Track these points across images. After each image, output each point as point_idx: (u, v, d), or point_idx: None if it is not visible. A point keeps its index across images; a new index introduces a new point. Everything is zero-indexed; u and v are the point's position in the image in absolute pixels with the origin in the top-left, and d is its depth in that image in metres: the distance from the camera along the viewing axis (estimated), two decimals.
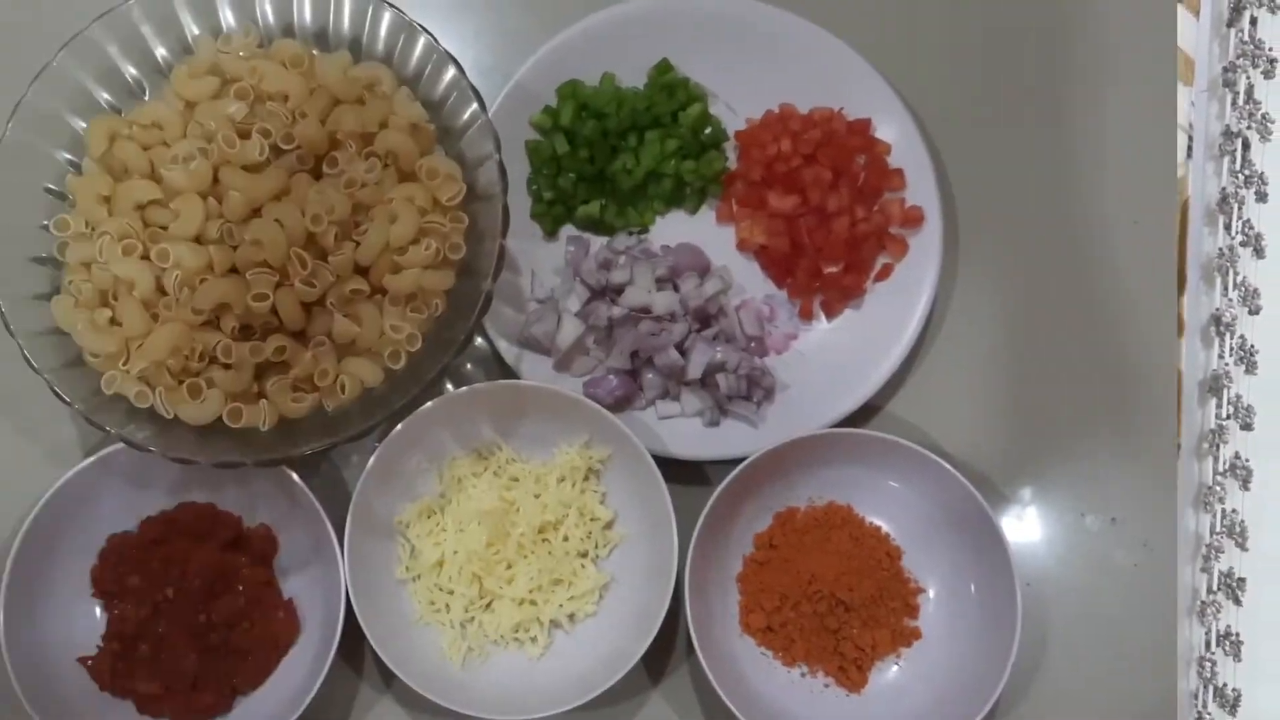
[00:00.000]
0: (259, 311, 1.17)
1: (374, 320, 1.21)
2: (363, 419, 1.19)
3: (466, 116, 1.22)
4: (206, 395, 1.18)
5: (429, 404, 1.22)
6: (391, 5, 1.22)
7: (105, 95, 1.24)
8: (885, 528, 1.30)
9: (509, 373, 1.30)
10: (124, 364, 1.18)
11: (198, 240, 1.19)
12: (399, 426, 1.22)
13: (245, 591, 1.24)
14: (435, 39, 1.22)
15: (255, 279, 1.17)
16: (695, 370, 1.27)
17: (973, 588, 1.26)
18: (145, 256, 1.18)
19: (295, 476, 1.22)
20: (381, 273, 1.20)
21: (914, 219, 1.32)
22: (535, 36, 1.34)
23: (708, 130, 1.35)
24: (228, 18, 1.26)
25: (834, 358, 1.32)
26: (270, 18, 1.26)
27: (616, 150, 1.34)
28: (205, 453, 1.17)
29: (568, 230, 1.35)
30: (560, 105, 1.33)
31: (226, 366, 1.19)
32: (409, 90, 1.25)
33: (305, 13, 1.26)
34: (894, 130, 1.34)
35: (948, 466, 1.23)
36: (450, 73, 1.22)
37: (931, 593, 1.28)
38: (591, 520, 1.27)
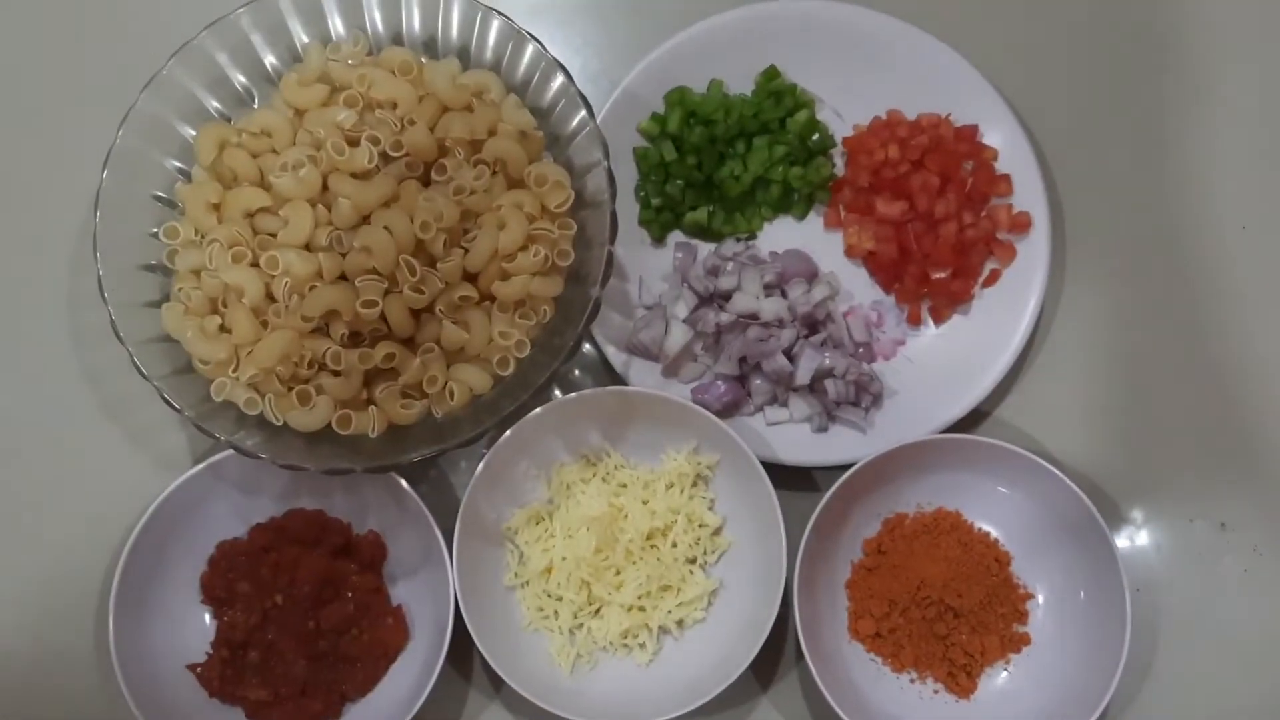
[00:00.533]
0: (368, 318, 1.05)
1: (483, 327, 1.08)
2: (471, 425, 1.06)
3: (575, 124, 1.09)
4: (316, 402, 1.06)
5: (537, 410, 1.09)
6: (500, 14, 1.09)
7: (214, 103, 1.13)
8: (994, 533, 1.16)
9: (617, 379, 1.16)
10: (233, 371, 1.06)
11: (307, 247, 1.07)
12: (507, 433, 1.09)
13: (354, 598, 1.12)
14: (544, 46, 1.09)
15: (364, 286, 1.05)
16: (803, 376, 1.13)
17: (1082, 593, 1.12)
18: (255, 264, 1.07)
19: (404, 483, 1.09)
20: (490, 279, 1.07)
21: (1022, 224, 1.18)
22: (643, 43, 1.21)
23: (815, 136, 1.21)
24: (337, 26, 1.13)
25: (942, 363, 1.18)
26: (379, 26, 1.14)
27: (724, 157, 1.20)
28: (314, 459, 1.04)
29: (676, 237, 1.22)
30: (668, 112, 1.20)
31: (335, 373, 1.07)
32: (517, 97, 1.12)
33: (414, 21, 1.13)
34: (1001, 136, 1.20)
35: (1056, 472, 1.10)
36: (559, 80, 1.08)
37: (1041, 598, 1.15)
38: (700, 526, 1.14)
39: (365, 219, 1.06)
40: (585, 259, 1.09)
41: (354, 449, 1.06)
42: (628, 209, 1.19)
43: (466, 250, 1.07)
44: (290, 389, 1.06)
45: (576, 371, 1.20)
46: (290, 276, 1.04)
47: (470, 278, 1.08)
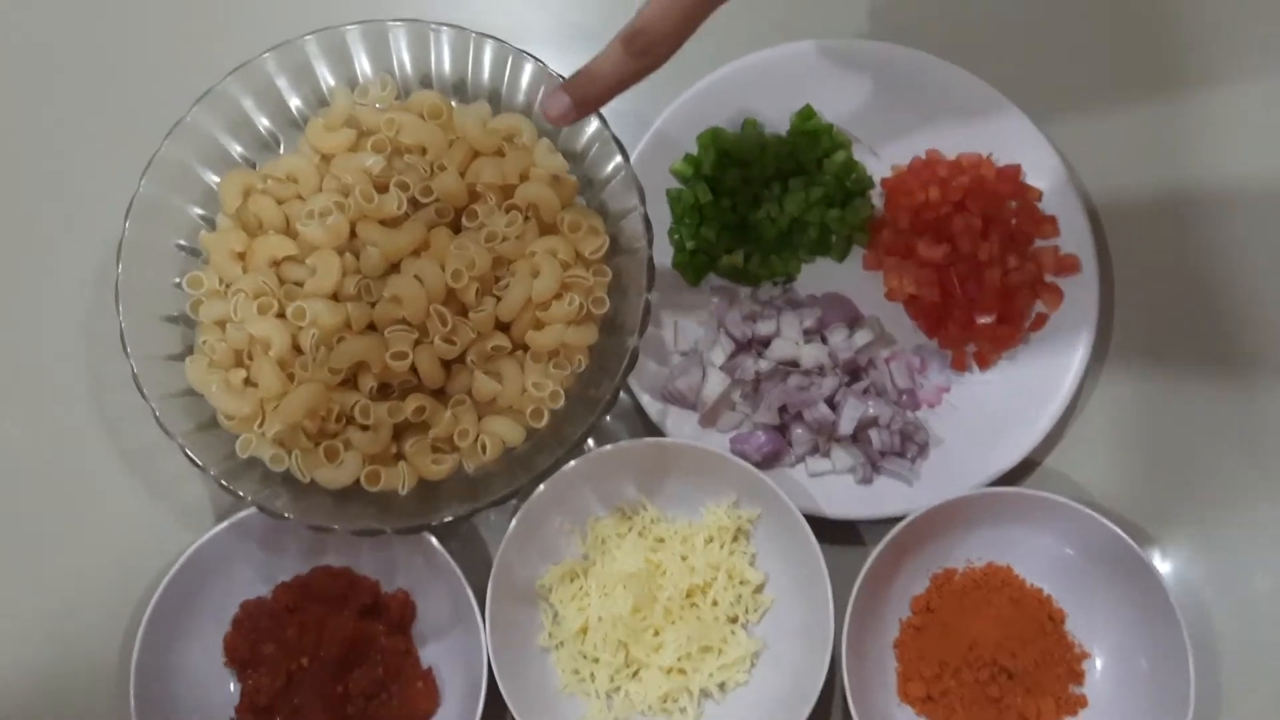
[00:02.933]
0: (398, 370, 1.01)
1: (516, 378, 1.03)
2: (505, 481, 1.02)
3: (610, 168, 1.05)
4: (344, 458, 1.01)
5: (572, 463, 1.04)
6: (532, 57, 1.05)
7: (239, 149, 1.09)
8: (1047, 590, 1.10)
9: (653, 428, 1.12)
10: (259, 426, 1.02)
11: (334, 297, 1.03)
12: (541, 487, 1.05)
13: (383, 660, 1.06)
14: None
15: (394, 337, 1.01)
16: (847, 426, 1.09)
17: (1141, 653, 1.07)
18: (281, 314, 1.03)
19: (434, 540, 1.04)
20: (523, 329, 1.03)
21: (1069, 266, 1.14)
22: (675, 83, 1.16)
23: (853, 177, 1.17)
24: (364, 69, 1.10)
25: (989, 410, 1.13)
26: (408, 68, 1.10)
27: (759, 198, 1.16)
28: (343, 519, 1.00)
29: (711, 280, 1.17)
30: (702, 153, 1.16)
31: (364, 428, 1.03)
32: (549, 141, 1.08)
33: (444, 63, 1.10)
34: (1045, 176, 1.16)
35: (1111, 525, 1.04)
36: (593, 124, 1.04)
37: (1097, 658, 1.09)
38: (741, 583, 1.09)
39: (395, 267, 1.03)
40: (620, 307, 1.05)
41: (384, 507, 1.02)
42: (661, 252, 1.15)
43: (499, 299, 1.03)
44: (317, 444, 1.02)
45: (607, 419, 1.15)
46: (317, 327, 1.00)
47: (503, 327, 1.04)
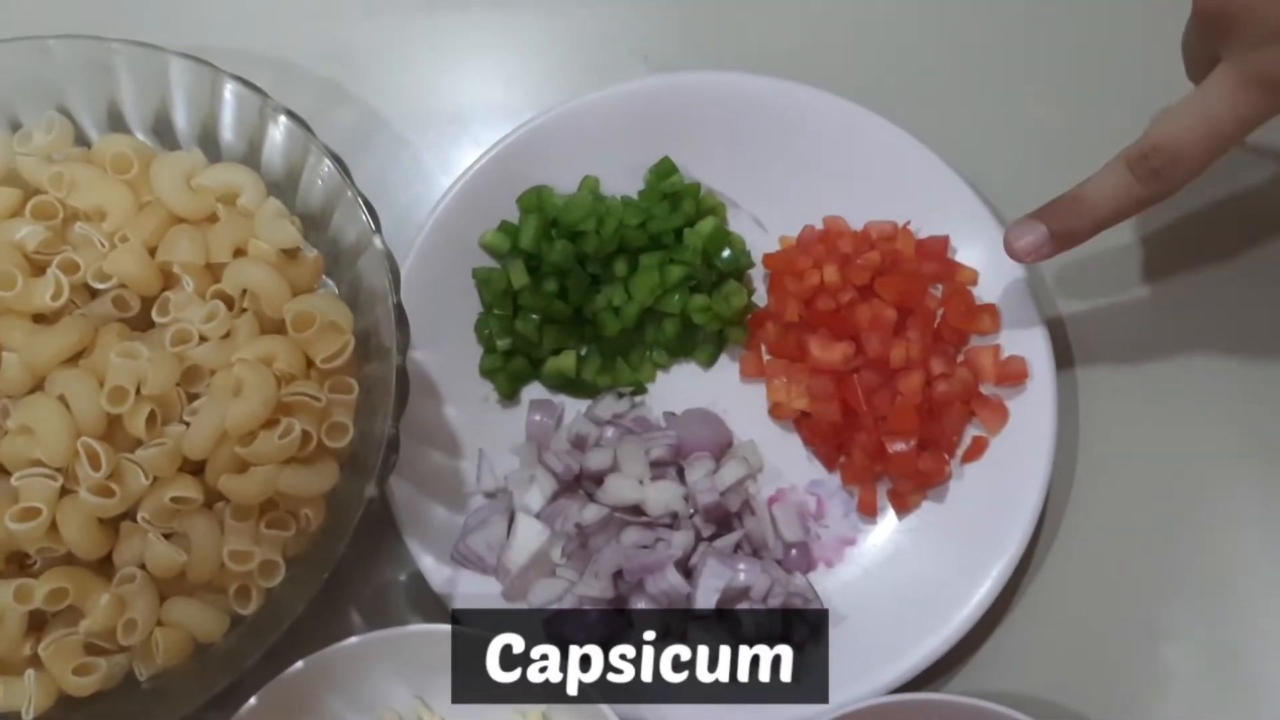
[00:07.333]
0: (26, 536, 0.63)
1: (211, 543, 0.67)
2: (196, 692, 0.63)
3: (354, 236, 0.68)
4: None
5: (300, 664, 0.67)
6: (240, 80, 0.71)
7: None
8: None
9: (438, 605, 0.75)
10: None
11: None
12: (253, 700, 0.67)
13: None
14: (304, 123, 0.68)
15: (24, 485, 0.63)
16: (705, 598, 0.73)
17: None
18: None
19: None
20: (219, 471, 0.65)
21: (1014, 374, 0.79)
22: (493, 125, 0.83)
23: (725, 253, 0.82)
24: (23, 108, 0.72)
25: (908, 573, 0.77)
26: (85, 108, 0.73)
27: (599, 281, 0.81)
28: None
29: (534, 392, 0.81)
30: (522, 221, 0.81)
31: None
32: (279, 204, 0.72)
33: (128, 94, 0.73)
34: (982, 251, 0.81)
35: None
36: (325, 166, 0.68)
37: None
38: None
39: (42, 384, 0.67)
40: (370, 437, 0.68)
41: None
42: (468, 352, 0.80)
43: (189, 426, 0.66)
44: None
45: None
46: None
47: (197, 470, 0.67)
